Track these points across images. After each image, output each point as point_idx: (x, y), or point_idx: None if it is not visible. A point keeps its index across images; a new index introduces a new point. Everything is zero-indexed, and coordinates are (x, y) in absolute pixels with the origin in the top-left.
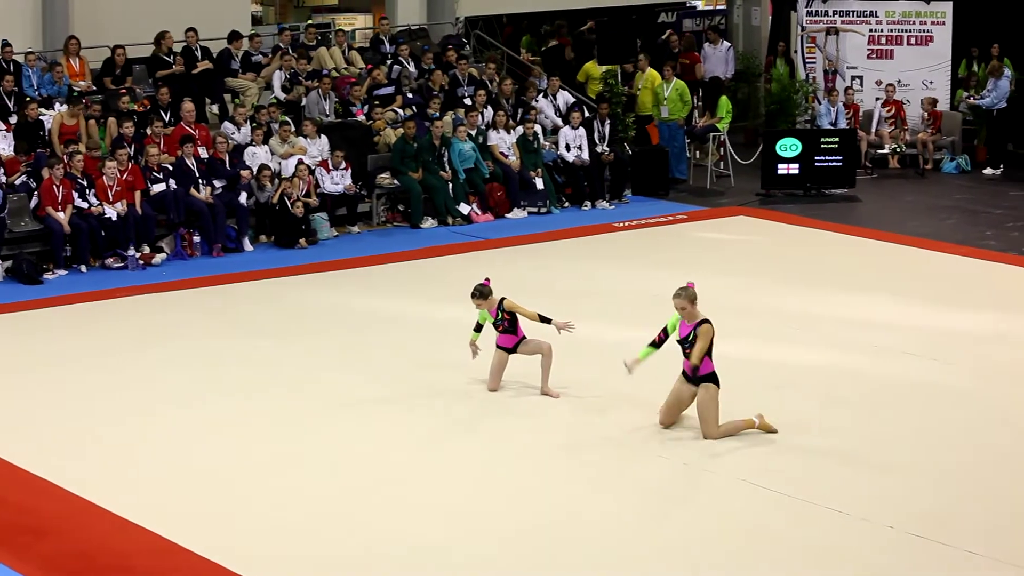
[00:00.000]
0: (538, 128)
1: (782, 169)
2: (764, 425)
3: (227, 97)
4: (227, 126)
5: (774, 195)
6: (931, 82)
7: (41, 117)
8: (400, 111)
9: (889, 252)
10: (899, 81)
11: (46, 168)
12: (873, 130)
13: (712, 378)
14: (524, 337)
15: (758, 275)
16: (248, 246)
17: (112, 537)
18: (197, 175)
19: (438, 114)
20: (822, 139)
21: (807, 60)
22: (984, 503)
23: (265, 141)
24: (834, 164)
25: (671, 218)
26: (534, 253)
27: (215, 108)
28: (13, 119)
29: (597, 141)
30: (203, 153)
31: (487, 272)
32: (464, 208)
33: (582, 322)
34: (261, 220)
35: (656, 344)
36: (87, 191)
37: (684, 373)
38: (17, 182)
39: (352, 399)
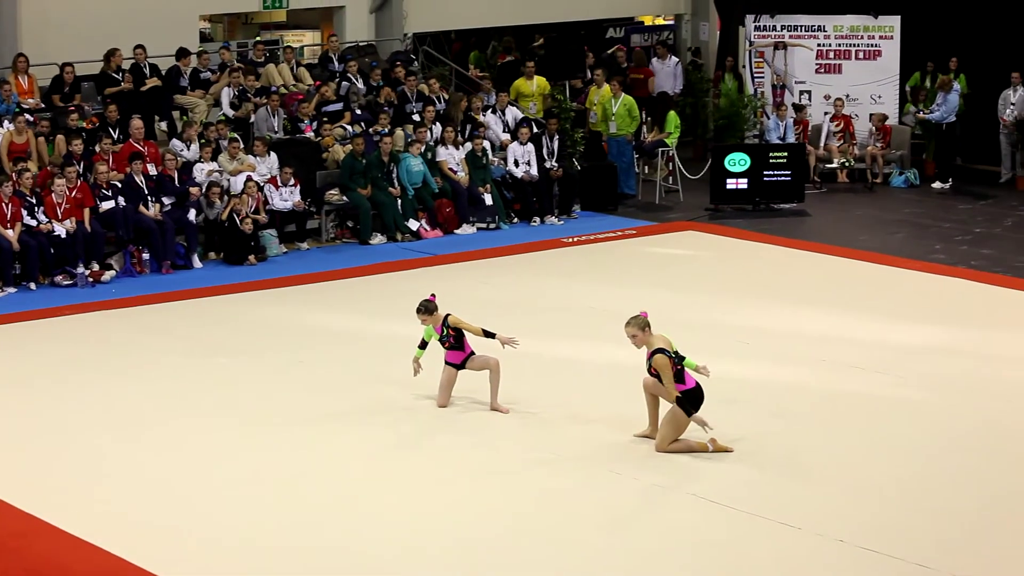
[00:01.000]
0: (487, 144)
1: (731, 184)
2: (719, 447)
3: (176, 114)
4: (175, 143)
5: (723, 210)
6: (879, 96)
7: None
8: (349, 127)
9: (838, 266)
10: (847, 95)
11: None
12: (822, 144)
13: (687, 398)
14: (472, 353)
15: (707, 290)
16: (197, 263)
17: (64, 555)
18: (146, 192)
19: (387, 130)
20: (771, 154)
21: (755, 75)
22: (935, 516)
23: (214, 158)
24: (783, 179)
25: (620, 233)
26: (483, 269)
27: (164, 125)
28: None
29: (546, 157)
30: (152, 170)
31: (436, 288)
32: (413, 224)
33: (531, 337)
34: (210, 237)
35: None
36: (36, 208)
37: None
38: None
39: (302, 415)
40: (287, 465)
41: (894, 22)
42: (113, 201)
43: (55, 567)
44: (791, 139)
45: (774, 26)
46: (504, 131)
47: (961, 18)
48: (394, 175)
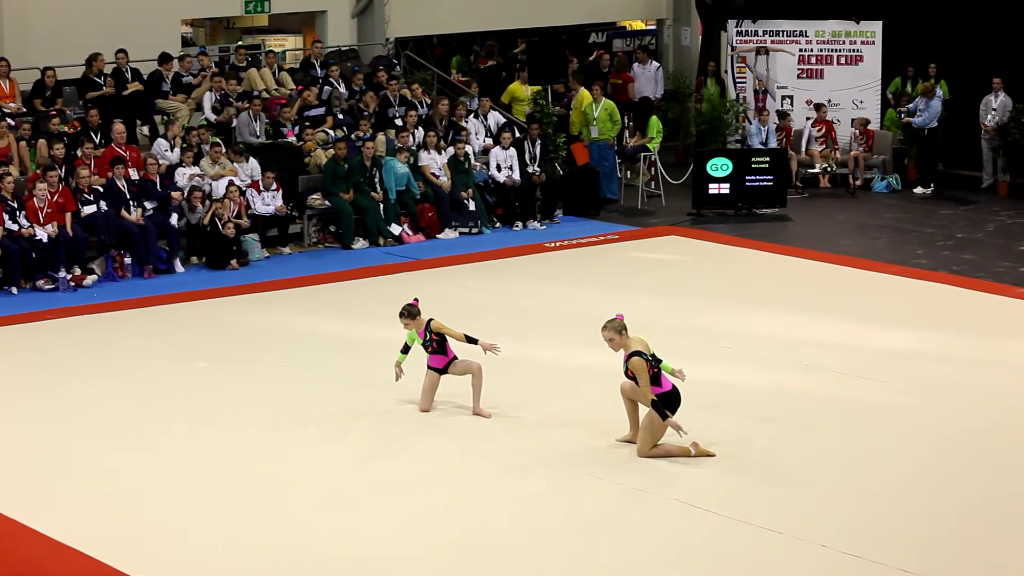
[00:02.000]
0: (469, 148)
1: (713, 189)
2: (701, 451)
3: (158, 119)
4: (160, 142)
5: (705, 215)
6: (861, 101)
7: None
8: (331, 132)
9: (820, 271)
10: (829, 100)
11: None
12: (804, 149)
13: (663, 400)
14: (455, 357)
15: (689, 294)
16: (179, 267)
17: (47, 560)
18: (128, 197)
19: (369, 135)
20: (753, 159)
21: (737, 80)
22: (917, 521)
23: (195, 162)
24: (765, 183)
25: (602, 238)
26: (466, 273)
27: (146, 130)
28: None
29: (528, 161)
30: (134, 175)
31: (418, 292)
32: (395, 229)
33: (513, 342)
34: (192, 241)
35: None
36: (17, 213)
37: None
38: None
39: (284, 420)
40: (269, 469)
41: (876, 27)
42: (95, 205)
43: (38, 571)
44: (773, 144)
45: (756, 31)
46: (486, 136)
47: (943, 24)
48: (376, 180)
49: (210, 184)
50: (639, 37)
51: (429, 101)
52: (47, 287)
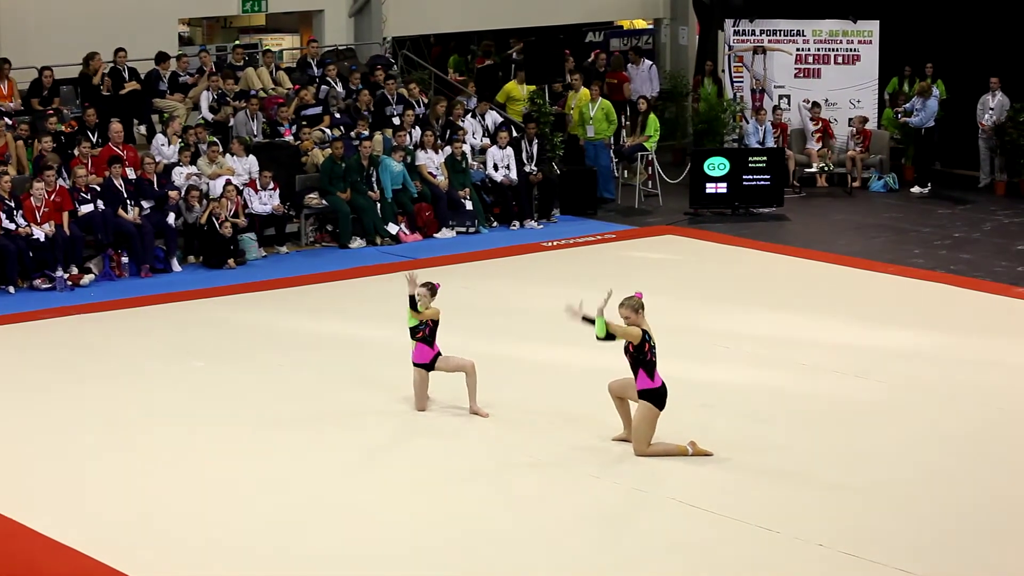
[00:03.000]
0: (466, 148)
1: (710, 188)
2: (698, 450)
3: (155, 118)
4: (159, 138)
5: (702, 214)
6: (858, 101)
7: None
8: (328, 131)
9: (817, 271)
10: (826, 100)
11: None
12: (808, 133)
13: (652, 395)
14: (440, 353)
15: (686, 294)
16: (177, 267)
17: (42, 559)
18: (125, 196)
19: (366, 134)
20: (750, 158)
21: (734, 79)
22: (914, 520)
23: (193, 162)
24: (762, 183)
25: (599, 237)
26: (463, 273)
27: (143, 129)
28: None
29: (525, 161)
30: (131, 174)
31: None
32: (393, 228)
33: (511, 341)
34: (189, 241)
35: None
36: (14, 212)
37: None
38: None
39: (280, 419)
40: (266, 468)
41: (873, 27)
42: (92, 205)
43: (34, 571)
44: (770, 143)
45: (753, 30)
46: (484, 136)
47: (940, 23)
48: (373, 179)
49: (207, 183)
50: (636, 37)
51: (426, 100)
52: (44, 286)
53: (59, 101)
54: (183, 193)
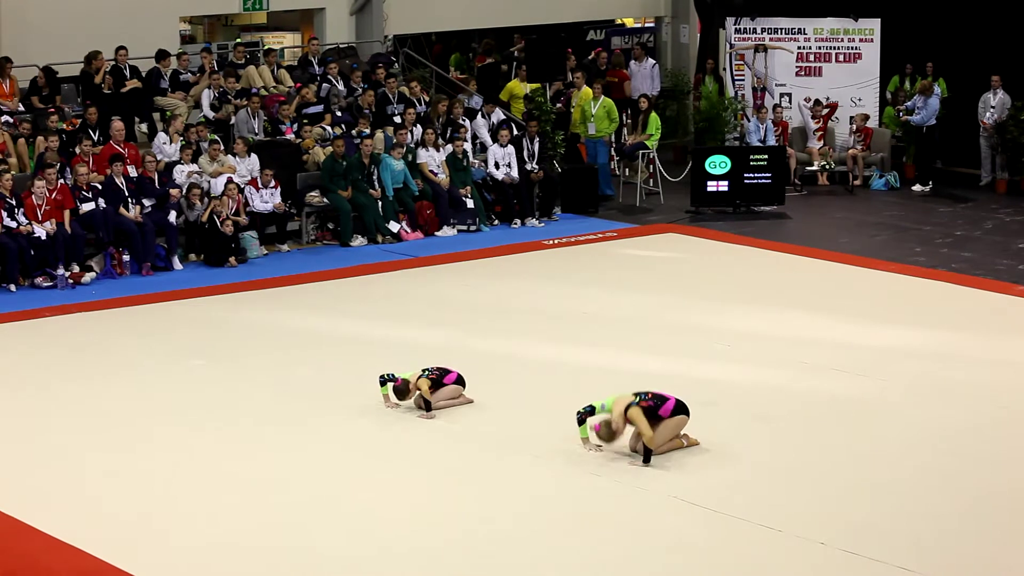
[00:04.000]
0: (467, 146)
1: (711, 186)
2: (692, 441)
3: (156, 116)
4: (161, 136)
5: (703, 212)
6: (860, 99)
7: None
8: (328, 128)
9: (819, 269)
10: (827, 98)
11: None
12: (808, 126)
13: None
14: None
15: (687, 292)
16: (178, 265)
17: (44, 556)
18: (126, 194)
19: (367, 132)
20: (751, 156)
21: (736, 77)
22: (915, 519)
23: (194, 160)
24: (763, 181)
25: (601, 235)
26: (464, 271)
27: (144, 127)
28: None
29: (526, 159)
30: (132, 172)
31: (417, 290)
32: (394, 226)
33: (511, 339)
34: (191, 239)
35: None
36: (16, 210)
37: None
38: None
39: (281, 417)
40: (266, 467)
41: (874, 25)
42: (93, 203)
43: (35, 568)
44: (771, 142)
45: (754, 29)
46: (489, 133)
47: (941, 21)
48: (375, 177)
49: (209, 181)
50: (637, 35)
51: (427, 99)
52: (45, 284)
53: (60, 99)
54: (184, 191)
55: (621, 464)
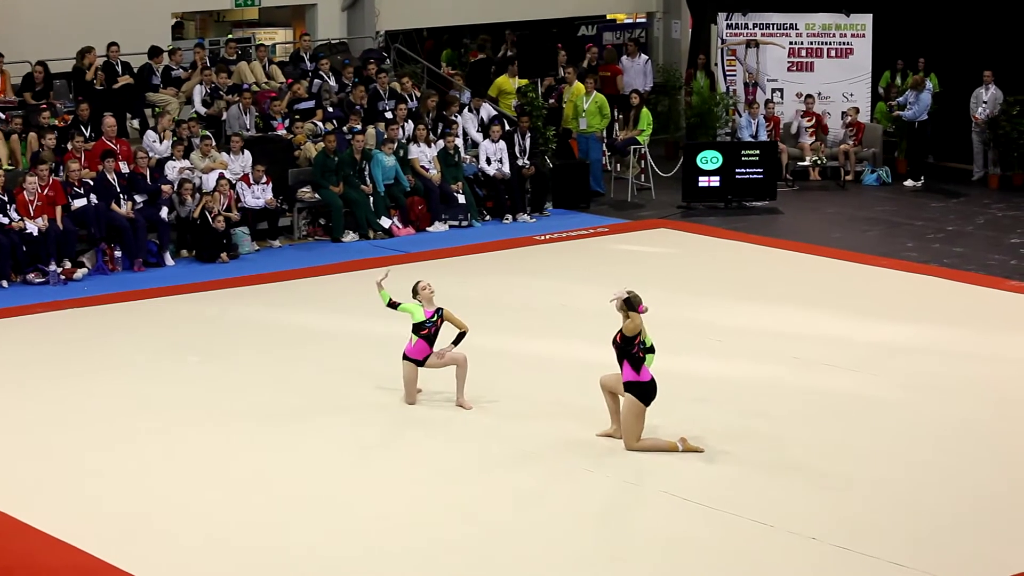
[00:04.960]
0: (459, 141)
1: (703, 181)
2: (688, 447)
3: (148, 112)
4: (149, 134)
5: (695, 207)
6: (851, 94)
7: None
8: (320, 124)
9: (811, 264)
10: (819, 93)
11: None
12: (794, 130)
13: (636, 389)
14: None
15: (679, 288)
16: (169, 261)
17: (37, 554)
18: (118, 190)
19: (359, 127)
20: (743, 151)
21: (727, 73)
22: (909, 514)
23: (186, 156)
24: (755, 176)
25: (592, 231)
26: (455, 267)
27: (136, 123)
28: None
29: (518, 154)
30: (124, 168)
31: (409, 286)
32: (385, 222)
33: (502, 335)
34: (182, 235)
35: None
36: (8, 206)
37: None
38: None
39: (273, 413)
40: (259, 463)
41: (866, 20)
42: (85, 199)
43: (30, 566)
44: (763, 137)
45: (746, 24)
46: (479, 129)
47: (933, 16)
48: (366, 173)
49: (200, 177)
50: (629, 30)
51: (419, 94)
52: (37, 280)
53: (52, 95)
54: (176, 187)
55: (613, 460)
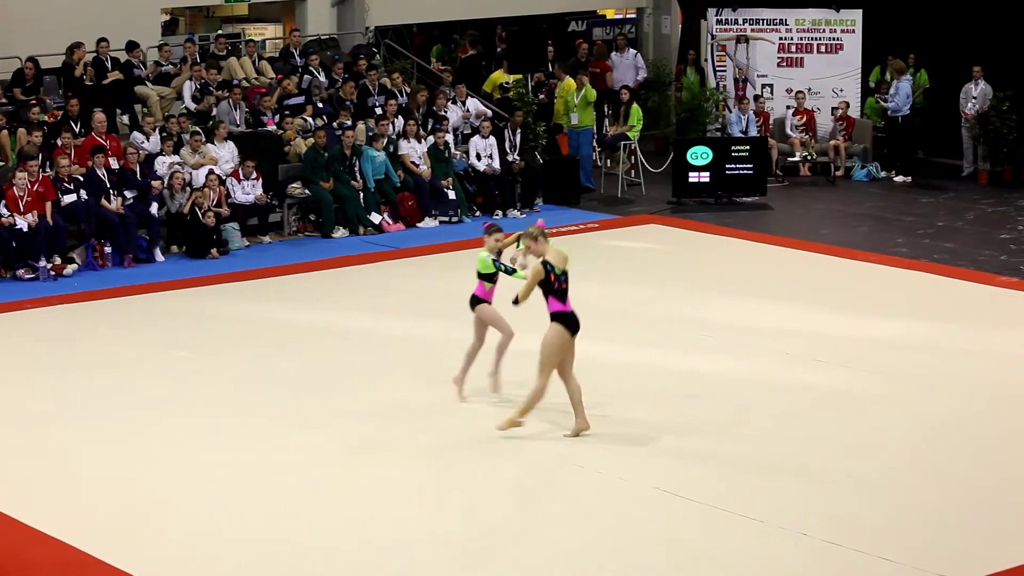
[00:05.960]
0: (449, 137)
1: (693, 177)
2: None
3: (137, 108)
4: (136, 136)
5: (685, 203)
6: (841, 90)
7: None
8: (310, 120)
9: (801, 260)
10: (809, 89)
11: None
12: (788, 127)
13: (561, 318)
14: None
15: (669, 283)
16: (159, 256)
17: (27, 549)
18: (108, 186)
19: (349, 123)
20: (733, 147)
21: (717, 68)
22: (898, 510)
23: (175, 151)
24: (745, 172)
25: (582, 227)
26: (446, 262)
27: (125, 119)
28: None
29: (508, 150)
30: (114, 164)
31: (399, 281)
32: (375, 217)
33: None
34: (172, 231)
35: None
36: None
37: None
38: None
39: (265, 409)
40: (250, 458)
41: (856, 16)
42: (75, 195)
43: (18, 561)
44: (753, 132)
45: (736, 19)
46: (463, 120)
47: (923, 12)
48: (356, 168)
49: (190, 173)
50: (619, 26)
51: (408, 90)
52: (27, 276)
53: (42, 91)
54: (166, 182)
55: (605, 456)
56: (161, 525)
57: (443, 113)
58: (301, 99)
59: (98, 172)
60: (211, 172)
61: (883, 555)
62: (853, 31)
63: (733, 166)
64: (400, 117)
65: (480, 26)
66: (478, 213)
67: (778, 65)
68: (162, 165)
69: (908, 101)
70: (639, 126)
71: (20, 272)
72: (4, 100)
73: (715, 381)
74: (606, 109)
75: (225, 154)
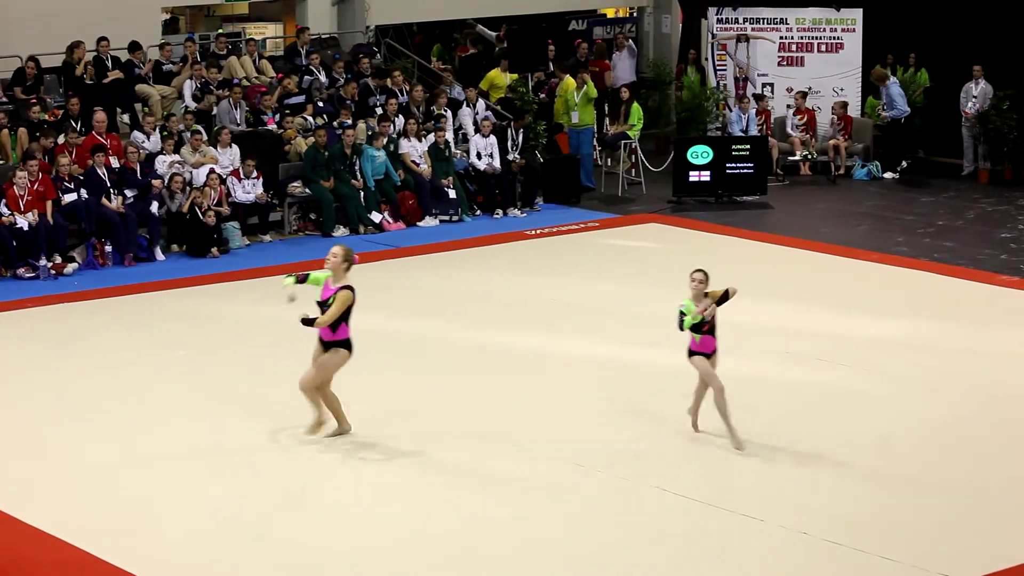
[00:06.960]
0: (449, 136)
1: (693, 176)
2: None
3: (138, 107)
4: (136, 135)
5: (686, 202)
6: (841, 89)
7: None
8: (310, 119)
9: (801, 259)
10: (810, 88)
11: None
12: (788, 126)
13: (346, 344)
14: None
15: (669, 283)
16: (160, 256)
17: (25, 548)
18: (108, 185)
19: (349, 122)
20: (733, 146)
21: (718, 67)
22: (899, 509)
23: (176, 150)
24: (745, 171)
25: (583, 226)
26: (446, 261)
27: (126, 118)
28: None
29: (510, 149)
30: (115, 163)
31: (399, 281)
32: (376, 217)
33: (492, 330)
34: (173, 230)
35: None
36: None
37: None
38: None
39: (265, 409)
40: (249, 458)
41: (856, 15)
42: (75, 194)
43: (17, 559)
44: (754, 131)
45: (736, 18)
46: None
47: (923, 11)
48: (356, 167)
49: (190, 172)
50: (619, 25)
51: (408, 89)
52: (28, 275)
53: (43, 90)
54: (166, 182)
55: (603, 454)
56: (159, 523)
57: (442, 112)
58: (302, 98)
59: (98, 171)
60: (211, 171)
61: (883, 554)
62: (853, 30)
63: (733, 165)
64: (400, 116)
65: (482, 25)
66: (478, 212)
67: (778, 64)
68: (162, 164)
69: (904, 100)
70: (639, 125)
71: (20, 271)
72: (5, 99)
73: None
74: (606, 108)
75: (225, 160)
